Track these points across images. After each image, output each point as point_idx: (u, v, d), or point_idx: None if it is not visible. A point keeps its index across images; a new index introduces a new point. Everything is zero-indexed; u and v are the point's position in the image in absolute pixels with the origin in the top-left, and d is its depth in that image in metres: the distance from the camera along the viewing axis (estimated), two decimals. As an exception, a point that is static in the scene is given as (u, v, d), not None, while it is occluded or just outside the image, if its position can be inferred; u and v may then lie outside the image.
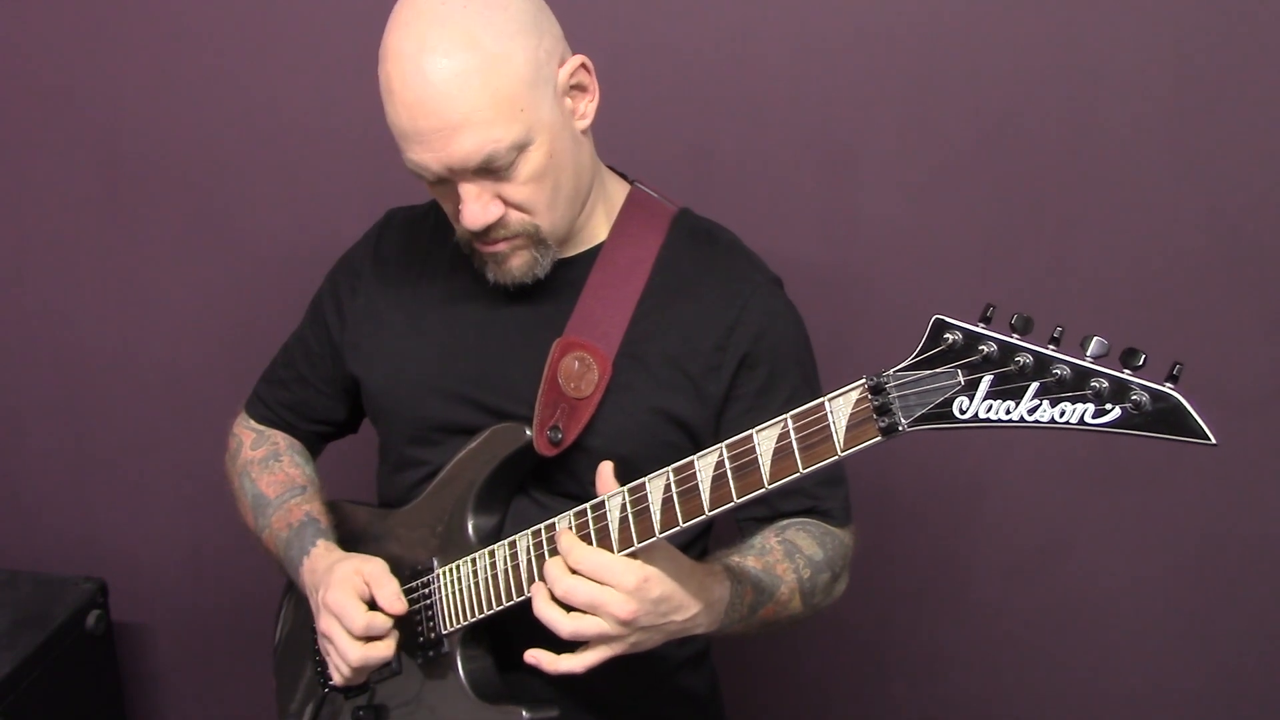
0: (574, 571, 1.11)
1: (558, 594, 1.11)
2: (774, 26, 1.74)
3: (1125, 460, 1.83)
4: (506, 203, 1.21)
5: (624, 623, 1.10)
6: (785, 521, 1.33)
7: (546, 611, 1.13)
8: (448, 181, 1.20)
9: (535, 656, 1.16)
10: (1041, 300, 1.77)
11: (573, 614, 1.12)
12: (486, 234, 1.22)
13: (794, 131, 1.78)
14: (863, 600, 1.93)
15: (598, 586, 1.10)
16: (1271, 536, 1.84)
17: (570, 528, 1.16)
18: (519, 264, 1.25)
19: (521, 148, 1.17)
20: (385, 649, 1.28)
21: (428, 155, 1.16)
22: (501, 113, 1.15)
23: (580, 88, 1.25)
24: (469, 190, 1.19)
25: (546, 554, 1.19)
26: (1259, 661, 1.91)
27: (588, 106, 1.26)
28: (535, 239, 1.24)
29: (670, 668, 1.42)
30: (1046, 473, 1.87)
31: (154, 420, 2.14)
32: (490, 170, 1.17)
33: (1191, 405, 0.78)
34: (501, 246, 1.24)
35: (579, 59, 1.23)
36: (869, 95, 1.74)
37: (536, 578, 1.20)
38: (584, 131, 1.27)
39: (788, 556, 1.27)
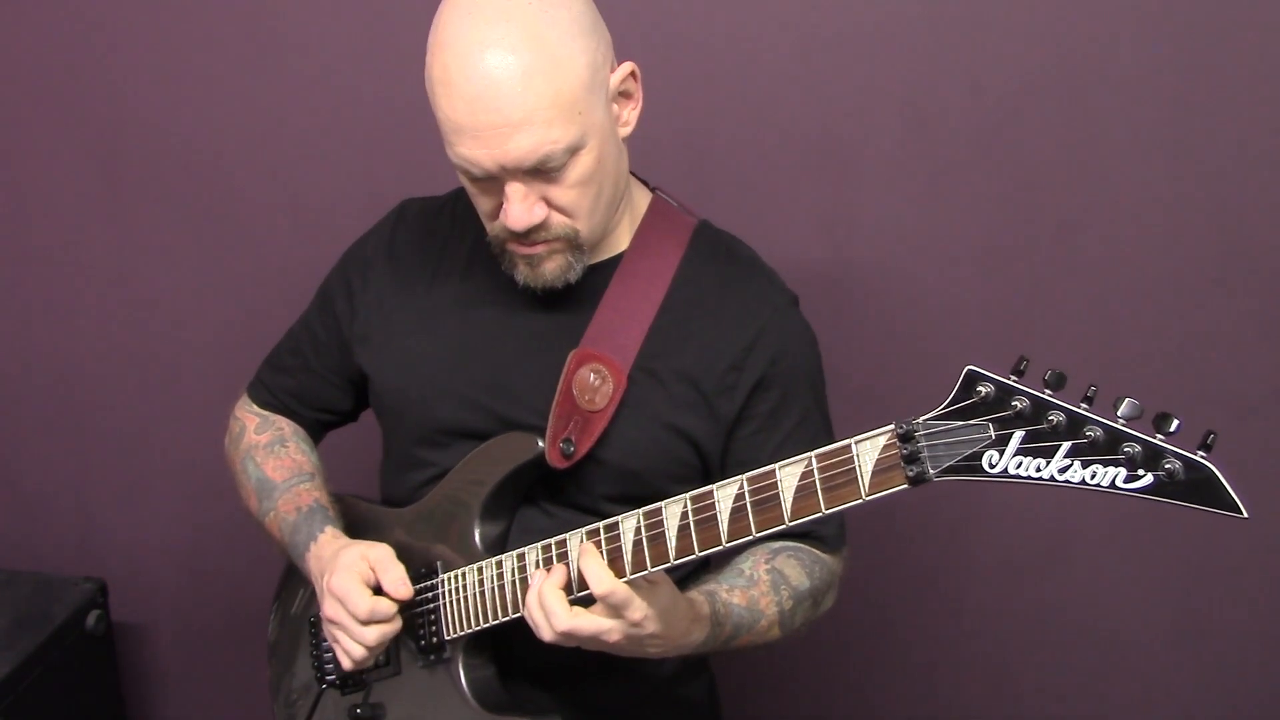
0: (583, 595, 1.11)
1: (559, 629, 1.11)
2: (774, 26, 1.72)
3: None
4: (550, 205, 1.19)
5: (606, 645, 1.12)
6: (777, 546, 1.32)
7: (542, 608, 1.13)
8: (493, 179, 1.18)
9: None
10: (1042, 304, 1.77)
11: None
12: (526, 235, 1.20)
13: (793, 132, 1.77)
14: (862, 605, 1.94)
15: (597, 622, 1.10)
16: (1272, 537, 1.84)
17: (583, 543, 1.15)
18: (553, 268, 1.24)
19: (575, 151, 1.16)
20: (394, 626, 1.28)
21: (481, 151, 1.14)
22: (561, 114, 1.13)
23: (627, 95, 1.24)
24: (516, 190, 1.17)
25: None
26: (1259, 662, 1.92)
27: (631, 114, 1.26)
28: (573, 243, 1.23)
29: (669, 676, 1.42)
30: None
31: (153, 420, 2.12)
32: (541, 172, 1.16)
33: (1225, 477, 0.78)
34: (539, 249, 1.22)
35: (630, 65, 1.23)
36: (869, 95, 1.73)
37: None
38: (624, 139, 1.26)
39: (773, 589, 1.27)
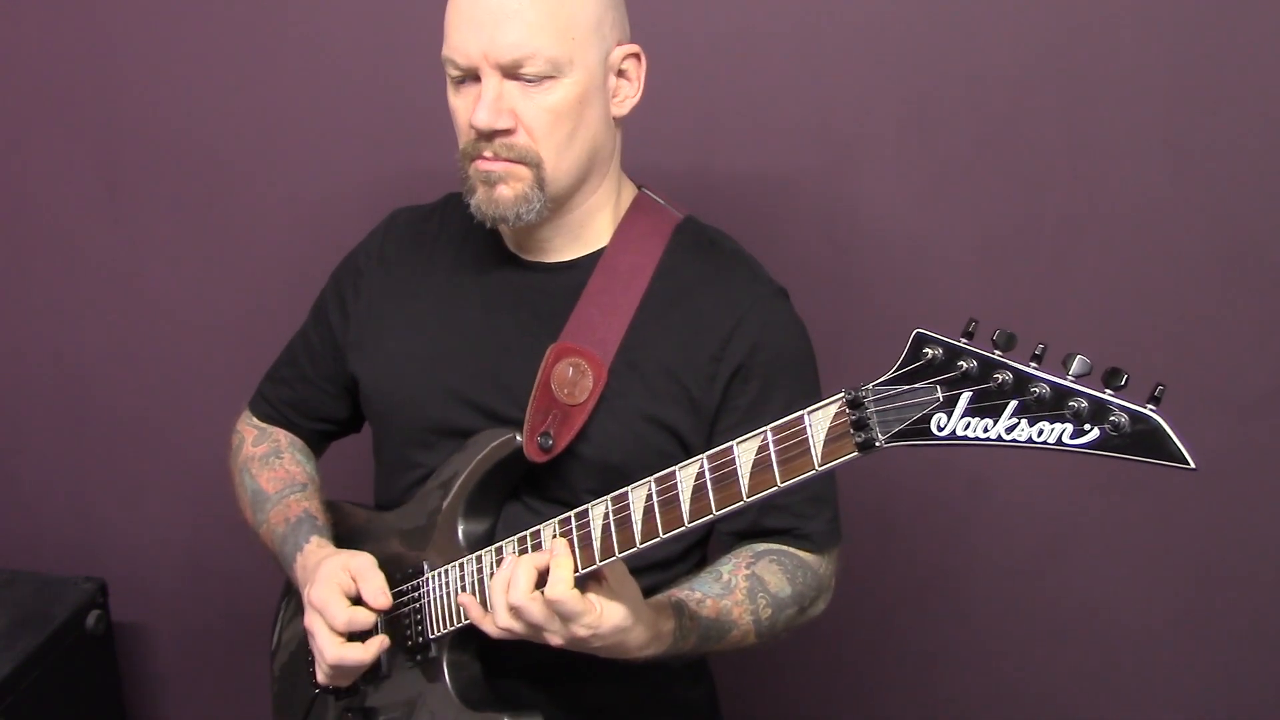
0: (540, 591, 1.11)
1: (511, 599, 1.11)
2: (776, 23, 1.72)
3: (1125, 461, 1.81)
4: (520, 120, 1.20)
5: (552, 645, 1.12)
6: (761, 549, 1.30)
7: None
8: (472, 82, 1.20)
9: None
10: (1043, 303, 1.76)
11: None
12: (490, 140, 1.21)
13: (795, 129, 1.76)
14: (862, 607, 1.93)
15: (547, 615, 1.09)
16: (1271, 538, 1.82)
17: (555, 535, 1.14)
18: (510, 195, 1.23)
19: (557, 72, 1.18)
20: (363, 653, 1.28)
21: (469, 35, 1.17)
22: (555, 25, 1.17)
23: (626, 75, 1.27)
24: (491, 87, 1.19)
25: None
26: (1259, 663, 1.90)
27: (627, 96, 1.28)
28: (534, 174, 1.22)
29: (667, 678, 1.40)
30: (1045, 473, 1.85)
31: (154, 420, 2.14)
32: (517, 76, 1.18)
33: (1171, 428, 0.75)
34: (499, 166, 1.22)
35: (635, 47, 1.26)
36: (871, 92, 1.73)
37: None
38: (616, 120, 1.28)
39: (750, 597, 1.25)
